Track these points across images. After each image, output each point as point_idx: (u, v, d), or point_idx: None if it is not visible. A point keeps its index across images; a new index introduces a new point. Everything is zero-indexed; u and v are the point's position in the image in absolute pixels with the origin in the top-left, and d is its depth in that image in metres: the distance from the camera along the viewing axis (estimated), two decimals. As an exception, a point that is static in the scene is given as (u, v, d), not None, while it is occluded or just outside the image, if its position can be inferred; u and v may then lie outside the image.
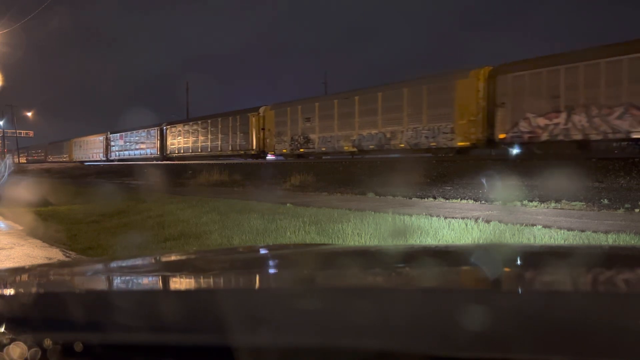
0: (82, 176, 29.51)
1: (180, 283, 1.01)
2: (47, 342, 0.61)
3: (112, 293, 0.93)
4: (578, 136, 14.75)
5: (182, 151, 34.34)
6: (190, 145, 33.53)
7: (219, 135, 30.15)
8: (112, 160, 42.69)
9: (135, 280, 1.10)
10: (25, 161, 59.21)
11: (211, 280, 1.05)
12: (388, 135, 20.01)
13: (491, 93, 16.67)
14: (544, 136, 15.33)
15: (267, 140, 26.18)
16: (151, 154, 38.26)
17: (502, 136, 16.41)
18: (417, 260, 1.21)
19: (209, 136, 31.34)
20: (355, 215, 6.76)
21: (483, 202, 8.89)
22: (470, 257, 1.22)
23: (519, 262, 1.16)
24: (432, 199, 9.50)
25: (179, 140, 34.72)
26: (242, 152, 28.11)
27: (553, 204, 8.04)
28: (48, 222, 7.73)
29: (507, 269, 1.05)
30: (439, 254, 1.35)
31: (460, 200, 9.17)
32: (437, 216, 6.32)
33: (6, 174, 27.68)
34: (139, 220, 7.50)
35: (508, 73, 16.27)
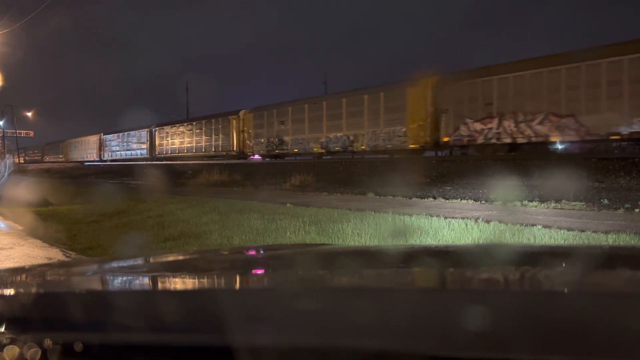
0: (82, 176, 29.51)
1: (180, 283, 1.01)
2: (47, 342, 0.61)
3: (112, 293, 0.93)
4: (508, 139, 16.64)
5: (169, 152, 35.83)
6: (177, 146, 35.09)
7: (203, 137, 31.77)
8: (105, 161, 43.98)
9: (135, 280, 1.10)
10: (23, 161, 59.47)
11: (211, 280, 1.05)
12: (351, 138, 21.84)
13: (437, 100, 18.44)
14: (480, 139, 17.20)
15: (247, 142, 27.88)
16: (141, 154, 39.74)
17: (446, 139, 18.28)
18: (417, 260, 1.21)
19: (194, 138, 33.01)
20: (355, 215, 6.76)
21: (483, 202, 8.89)
22: (470, 257, 1.22)
23: (519, 262, 1.16)
24: (432, 199, 9.50)
25: (167, 142, 36.23)
26: (224, 153, 29.50)
27: (553, 204, 8.04)
28: (48, 222, 7.73)
29: (507, 269, 1.05)
30: (439, 254, 1.35)
31: (460, 200, 9.17)
32: (437, 216, 6.32)
33: (6, 174, 27.68)
34: (139, 220, 7.50)
35: (451, 82, 18.08)
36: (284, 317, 0.67)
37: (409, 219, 6.20)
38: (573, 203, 8.07)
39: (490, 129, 16.92)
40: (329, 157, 22.74)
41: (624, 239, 4.62)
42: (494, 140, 16.87)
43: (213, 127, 30.66)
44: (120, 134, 43.75)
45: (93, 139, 48.65)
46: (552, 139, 15.71)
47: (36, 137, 68.54)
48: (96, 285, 1.05)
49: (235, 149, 28.60)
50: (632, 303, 0.68)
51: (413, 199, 9.64)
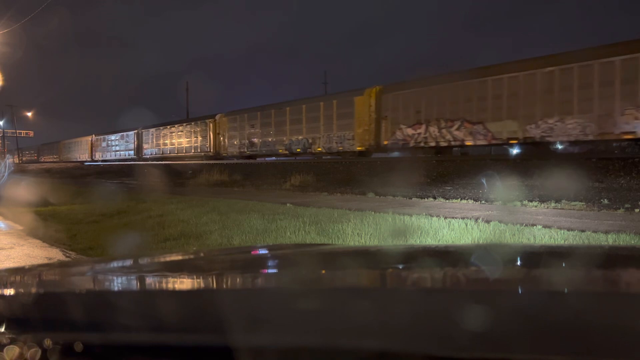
0: (82, 176, 29.50)
1: (180, 283, 1.01)
2: (47, 342, 0.61)
3: (112, 293, 0.93)
4: (433, 143, 19.23)
5: (154, 153, 37.50)
6: (161, 147, 36.95)
7: (184, 139, 33.86)
8: (97, 161, 45.57)
9: (135, 280, 1.10)
10: (19, 161, 60.14)
11: (211, 280, 1.05)
12: (310, 141, 24.29)
13: (379, 108, 21.20)
14: (412, 143, 19.88)
15: (222, 144, 30.08)
16: (129, 155, 41.55)
17: (385, 142, 20.89)
18: (417, 260, 1.21)
19: (176, 139, 34.95)
20: (355, 215, 6.76)
21: (483, 202, 8.89)
22: (470, 257, 1.22)
23: (519, 262, 1.16)
24: (432, 199, 9.50)
25: (152, 143, 38.06)
26: (203, 153, 31.13)
27: (553, 204, 8.04)
28: (48, 222, 7.73)
29: (507, 269, 1.05)
30: (439, 254, 1.35)
31: (460, 200, 9.17)
32: (437, 216, 6.32)
33: (6, 173, 27.69)
34: (139, 220, 7.50)
35: (389, 92, 20.94)
36: (284, 317, 0.67)
37: (409, 219, 6.20)
38: (573, 203, 8.07)
39: (419, 134, 19.61)
40: (292, 158, 25.20)
41: (624, 239, 4.62)
42: (422, 144, 19.56)
43: (192, 130, 32.90)
44: (110, 135, 45.91)
45: (85, 140, 50.59)
46: (467, 143, 18.47)
47: (38, 137, 68.72)
48: (96, 285, 1.05)
49: (212, 150, 30.48)
50: (632, 303, 0.68)
51: (413, 199, 9.64)
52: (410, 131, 19.91)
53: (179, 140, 34.31)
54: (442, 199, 9.39)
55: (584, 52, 15.60)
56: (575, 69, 15.50)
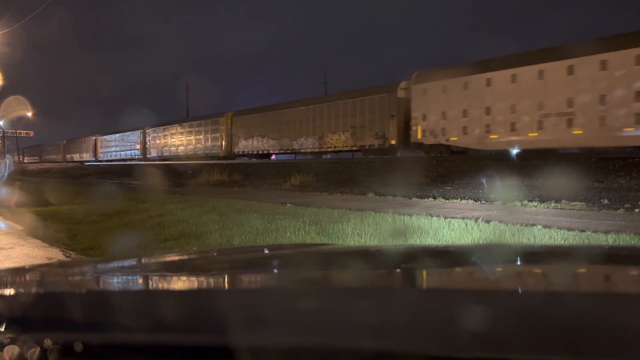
0: (82, 176, 29.50)
1: (180, 283, 1.01)
2: (47, 342, 0.61)
3: (112, 293, 0.93)
4: (255, 152, 31.19)
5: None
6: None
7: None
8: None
9: (135, 280, 1.10)
10: (19, 161, 60.42)
11: (211, 280, 1.05)
12: (192, 149, 36.19)
13: (232, 127, 33.22)
14: (246, 151, 32.04)
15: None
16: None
17: (235, 150, 32.83)
18: (417, 260, 1.21)
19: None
20: (355, 215, 6.76)
21: (483, 202, 8.89)
22: (470, 257, 1.22)
23: (519, 262, 1.16)
24: (432, 199, 9.49)
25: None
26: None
27: (553, 204, 8.04)
28: (48, 222, 7.73)
29: (507, 269, 1.05)
30: (439, 254, 1.35)
31: (460, 200, 9.17)
32: (437, 216, 6.32)
33: (6, 173, 27.70)
34: (139, 220, 7.50)
35: (236, 116, 33.18)
36: (284, 317, 0.67)
37: (409, 219, 6.20)
38: (573, 203, 8.06)
39: (250, 145, 31.69)
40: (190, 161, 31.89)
41: (624, 239, 4.62)
42: (250, 152, 31.47)
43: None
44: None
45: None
46: (271, 152, 30.22)
47: (42, 137, 68.74)
48: (96, 285, 1.05)
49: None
50: (632, 303, 0.68)
51: (413, 199, 9.64)
52: (245, 143, 32.02)
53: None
54: (442, 199, 9.39)
55: (312, 99, 28.19)
56: (310, 109, 27.23)
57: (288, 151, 28.57)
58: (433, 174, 14.92)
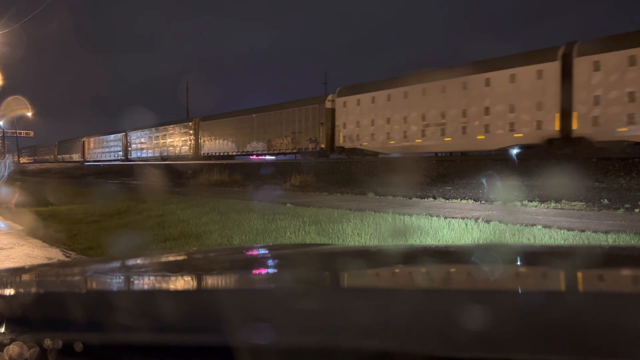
0: (82, 176, 29.51)
1: (180, 283, 1.01)
2: (47, 342, 0.61)
3: (112, 293, 0.93)
4: (220, 153, 33.02)
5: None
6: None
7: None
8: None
9: (135, 280, 1.10)
10: (18, 161, 61.15)
11: (211, 280, 1.05)
12: (170, 150, 38.79)
13: (199, 132, 36.10)
14: (210, 153, 34.21)
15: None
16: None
17: (202, 152, 35.14)
18: (417, 260, 1.21)
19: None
20: (355, 215, 6.76)
21: (483, 202, 8.89)
22: (470, 257, 1.22)
23: (519, 262, 1.16)
24: (432, 199, 9.49)
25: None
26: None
27: (553, 204, 8.04)
28: (48, 222, 7.73)
29: (507, 269, 1.05)
30: (439, 254, 1.35)
31: (460, 200, 9.17)
32: (437, 216, 6.32)
33: (6, 173, 27.70)
34: (139, 220, 7.50)
35: (203, 122, 36.03)
36: (284, 317, 0.67)
37: (409, 219, 6.20)
38: (573, 203, 8.06)
39: (214, 147, 34.22)
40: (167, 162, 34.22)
41: (624, 239, 4.62)
42: (221, 153, 33.27)
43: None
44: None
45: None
46: (231, 154, 32.49)
47: (43, 137, 68.93)
48: (96, 285, 1.05)
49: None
50: (632, 303, 0.68)
51: (413, 199, 9.64)
52: (209, 145, 34.85)
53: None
54: (442, 199, 9.38)
55: (266, 107, 30.68)
56: (260, 116, 30.37)
57: (243, 153, 32.08)
58: (433, 174, 14.93)
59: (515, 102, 17.91)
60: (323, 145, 25.91)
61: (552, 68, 17.03)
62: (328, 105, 25.95)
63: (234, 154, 32.39)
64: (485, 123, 18.81)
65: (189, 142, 36.84)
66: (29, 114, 48.03)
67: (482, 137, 18.98)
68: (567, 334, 0.55)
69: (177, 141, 38.13)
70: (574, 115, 16.32)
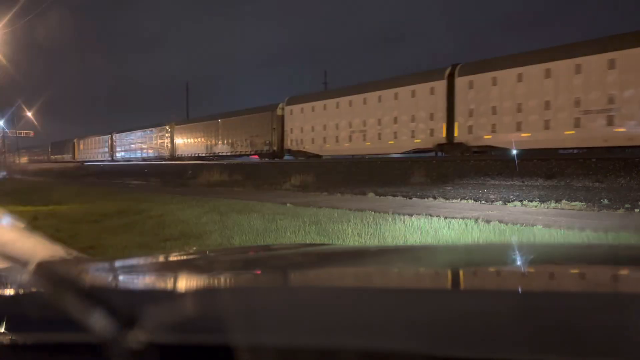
0: (82, 176, 29.53)
1: (180, 283, 1.01)
2: (46, 342, 0.61)
3: (112, 293, 0.93)
4: (193, 155, 35.61)
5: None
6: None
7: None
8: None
9: (135, 280, 1.10)
10: (17, 161, 62.36)
11: (211, 280, 1.05)
12: (150, 152, 41.71)
13: (173, 135, 38.55)
14: (183, 154, 36.83)
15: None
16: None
17: (176, 153, 37.68)
18: (417, 260, 1.21)
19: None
20: (355, 215, 6.76)
21: (483, 202, 8.88)
22: (470, 257, 1.22)
23: (519, 262, 1.16)
24: (432, 199, 9.49)
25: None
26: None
27: (553, 204, 8.03)
28: (48, 221, 7.74)
29: (507, 269, 1.05)
30: (439, 254, 1.35)
31: (460, 200, 9.16)
32: (437, 216, 6.32)
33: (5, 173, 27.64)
34: (140, 220, 7.50)
35: (177, 126, 38.85)
36: (284, 317, 0.67)
37: (409, 219, 6.20)
38: (573, 203, 8.06)
39: (188, 149, 36.82)
40: (150, 162, 37.64)
41: (624, 239, 4.62)
42: (189, 155, 35.93)
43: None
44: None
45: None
46: (202, 155, 34.54)
47: (42, 137, 69.12)
48: (96, 285, 1.05)
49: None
50: (632, 303, 0.68)
51: (413, 199, 9.64)
52: (182, 147, 37.70)
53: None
54: (442, 199, 9.38)
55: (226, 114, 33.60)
56: (223, 121, 33.32)
57: (210, 155, 34.39)
58: (433, 174, 14.93)
59: (415, 113, 21.45)
60: (275, 148, 29.07)
61: (441, 85, 20.50)
62: (279, 112, 29.20)
63: (203, 155, 35.38)
64: (394, 130, 22.47)
65: (166, 145, 39.72)
66: (29, 114, 48.30)
67: (392, 142, 22.50)
68: (567, 334, 0.55)
69: (156, 143, 41.04)
70: (456, 125, 19.95)
